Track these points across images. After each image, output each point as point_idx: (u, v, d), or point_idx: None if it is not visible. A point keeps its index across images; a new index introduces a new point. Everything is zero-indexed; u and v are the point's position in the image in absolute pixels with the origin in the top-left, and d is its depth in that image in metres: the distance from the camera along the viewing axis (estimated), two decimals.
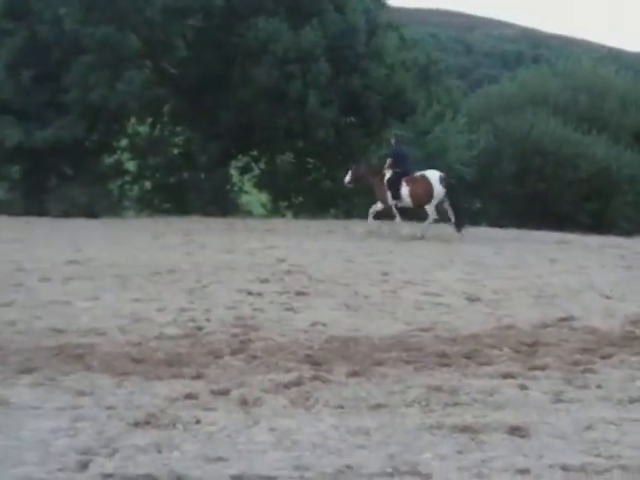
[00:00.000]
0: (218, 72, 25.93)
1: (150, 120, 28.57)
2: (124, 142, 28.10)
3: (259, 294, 11.19)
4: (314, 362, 7.44)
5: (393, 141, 21.22)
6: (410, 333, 9.02)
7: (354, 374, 7.03)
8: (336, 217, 26.65)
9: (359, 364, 7.37)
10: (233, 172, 28.99)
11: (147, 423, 5.66)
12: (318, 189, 28.69)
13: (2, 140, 23.62)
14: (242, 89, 25.18)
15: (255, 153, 29.38)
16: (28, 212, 23.30)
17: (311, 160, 29.44)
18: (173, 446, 5.25)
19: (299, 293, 11.36)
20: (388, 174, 20.55)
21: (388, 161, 20.86)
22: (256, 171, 29.48)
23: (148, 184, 28.42)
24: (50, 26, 24.27)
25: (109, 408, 5.97)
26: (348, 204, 27.30)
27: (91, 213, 23.07)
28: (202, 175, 26.91)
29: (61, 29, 23.99)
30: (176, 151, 28.68)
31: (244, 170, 29.19)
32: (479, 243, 19.24)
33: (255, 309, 10.12)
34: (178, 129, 29.45)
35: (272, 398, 6.30)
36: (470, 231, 20.54)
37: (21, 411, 5.85)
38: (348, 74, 25.38)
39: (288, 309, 10.23)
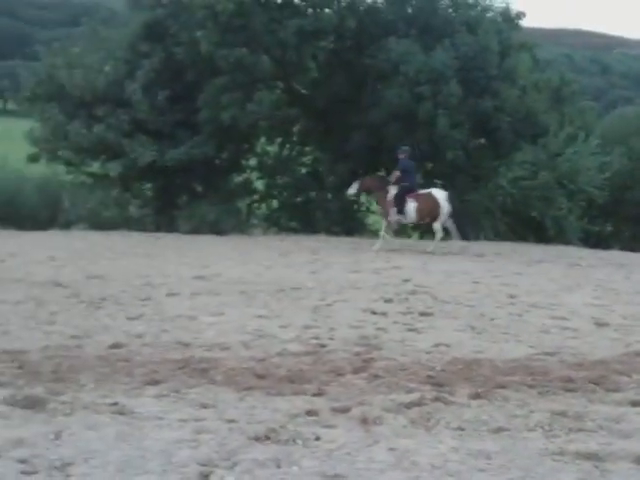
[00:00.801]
0: (348, 93, 26.07)
1: (279, 140, 28.91)
2: (253, 161, 28.52)
3: (383, 314, 11.15)
4: (436, 383, 7.35)
5: (402, 156, 20.84)
6: (535, 357, 8.81)
7: (476, 396, 6.91)
8: None
9: (481, 386, 7.23)
10: None
11: (267, 438, 5.67)
12: None
13: (136, 158, 24.28)
14: (372, 110, 25.20)
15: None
16: (159, 228, 23.90)
17: (439, 182, 29.24)
18: (292, 462, 5.25)
19: (423, 314, 11.27)
20: (394, 189, 20.58)
21: (394, 175, 20.88)
22: None
23: (275, 203, 28.71)
24: (186, 48, 24.90)
25: (231, 421, 6.02)
26: (476, 225, 27.00)
27: (219, 230, 23.47)
28: (329, 195, 27.04)
29: (196, 51, 24.54)
30: (304, 171, 28.90)
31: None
32: (609, 267, 18.75)
33: (378, 329, 10.09)
34: (307, 149, 29.69)
35: (392, 418, 6.24)
36: (599, 255, 20.03)
37: (146, 421, 5.95)
38: (479, 95, 25.13)
39: (411, 329, 10.15)
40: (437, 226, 20.39)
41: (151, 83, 24.82)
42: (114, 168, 25.19)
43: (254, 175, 28.57)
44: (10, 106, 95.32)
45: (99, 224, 23.51)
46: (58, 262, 15.73)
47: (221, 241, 21.47)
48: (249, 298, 12.12)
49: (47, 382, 6.84)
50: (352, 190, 21.69)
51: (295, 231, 26.02)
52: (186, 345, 8.77)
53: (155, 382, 7.02)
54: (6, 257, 16.12)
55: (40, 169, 26.30)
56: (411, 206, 20.29)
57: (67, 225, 23.87)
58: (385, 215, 20.94)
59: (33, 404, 6.17)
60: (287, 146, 29.05)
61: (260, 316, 10.64)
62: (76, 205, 24.31)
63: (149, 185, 27.10)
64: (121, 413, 6.11)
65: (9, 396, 6.30)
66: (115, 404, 6.29)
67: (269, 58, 25.13)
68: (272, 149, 28.99)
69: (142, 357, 8.08)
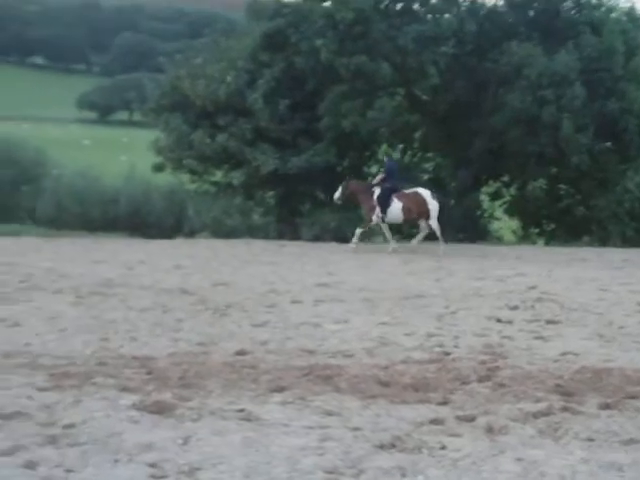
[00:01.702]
0: (469, 98, 25.84)
1: (401, 146, 28.85)
2: (375, 168, 28.52)
3: (508, 322, 10.98)
4: (564, 392, 7.18)
5: (386, 159, 22.29)
6: None
7: (606, 406, 6.72)
8: (590, 245, 25.82)
9: (611, 396, 7.03)
10: (483, 198, 28.72)
11: (392, 446, 5.64)
12: (571, 216, 27.91)
13: (259, 167, 24.60)
14: (494, 115, 24.94)
15: (506, 179, 28.99)
16: (281, 236, 24.12)
17: (564, 186, 28.70)
18: (417, 470, 5.21)
19: (550, 321, 11.04)
20: (377, 190, 21.03)
21: (378, 177, 21.63)
22: (507, 197, 29.07)
23: None
24: (306, 57, 25.11)
25: (355, 429, 6.00)
26: (603, 231, 26.41)
27: (341, 237, 23.52)
28: (452, 201, 26.82)
29: (316, 59, 24.73)
30: (426, 177, 28.74)
31: (495, 196, 28.86)
32: None
33: (504, 337, 9.93)
34: (429, 155, 29.57)
35: (519, 427, 6.13)
36: None
37: (271, 428, 5.99)
38: (604, 97, 24.58)
39: (538, 337, 9.95)
40: (433, 223, 20.97)
41: (272, 92, 25.10)
42: (237, 176, 25.61)
43: None
44: (136, 117, 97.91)
45: (222, 232, 23.88)
46: (184, 270, 16.04)
47: (343, 248, 21.49)
48: (373, 306, 12.10)
49: (175, 388, 6.96)
50: (337, 195, 21.86)
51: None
52: (310, 352, 8.80)
53: (280, 389, 7.07)
54: (135, 265, 16.53)
55: (165, 178, 26.91)
56: (396, 206, 20.80)
57: (191, 233, 24.33)
58: (368, 216, 21.32)
59: (162, 409, 6.28)
60: (409, 152, 28.96)
61: (384, 323, 10.61)
62: (200, 213, 24.76)
63: (271, 193, 27.38)
64: (247, 419, 6.16)
65: (138, 401, 6.44)
66: (241, 410, 6.34)
67: (389, 65, 25.17)
68: (394, 155, 28.96)
69: (267, 364, 8.14)
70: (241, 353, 8.69)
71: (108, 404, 6.36)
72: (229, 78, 25.97)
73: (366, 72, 24.43)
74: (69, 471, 5.00)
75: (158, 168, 26.91)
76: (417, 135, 28.94)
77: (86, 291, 12.63)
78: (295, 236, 24.03)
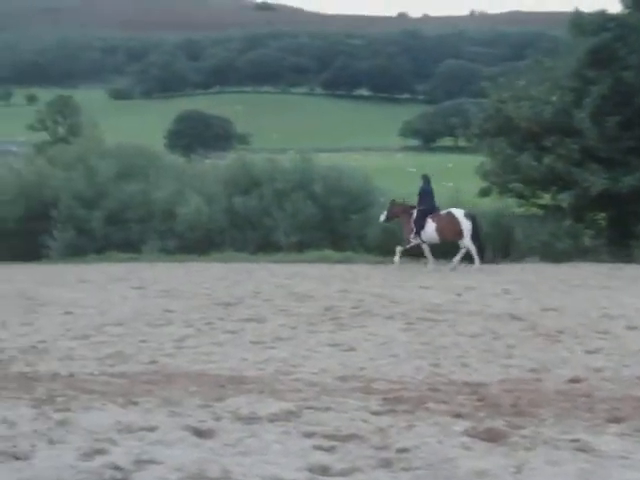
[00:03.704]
0: None
1: None
2: None
3: None
4: None
5: (421, 182, 22.26)
6: None
7: None
8: None
9: None
10: None
11: None
12: None
13: (588, 188, 23.89)
14: None
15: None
16: (614, 259, 23.21)
17: None
18: None
19: None
20: (415, 213, 21.76)
21: (418, 199, 22.01)
22: None
23: None
24: (636, 71, 24.14)
25: None
26: None
27: None
28: None
29: None
30: None
31: None
32: None
33: None
34: None
35: None
36: None
37: (608, 460, 5.73)
38: None
39: None
40: (466, 242, 21.22)
41: (599, 110, 24.32)
42: (565, 198, 25.02)
43: None
44: (461, 143, 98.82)
45: (551, 256, 23.41)
46: (512, 295, 15.89)
47: None
48: None
49: (507, 415, 6.87)
50: (382, 217, 23.00)
51: None
52: None
53: (617, 419, 6.76)
54: (463, 290, 16.58)
55: (491, 203, 26.83)
56: (430, 227, 21.47)
57: (520, 258, 24.05)
58: (407, 237, 22.01)
59: (494, 437, 6.21)
60: None
61: None
62: (528, 237, 24.43)
63: (602, 214, 26.50)
64: (582, 450, 5.95)
65: (470, 428, 6.41)
66: (576, 440, 6.13)
67: None
68: None
69: (603, 393, 7.84)
70: (575, 381, 8.44)
71: (440, 430, 6.39)
72: (554, 98, 25.51)
73: None
74: None
75: (484, 193, 26.89)
76: None
77: (415, 317, 12.84)
78: (629, 259, 23.03)
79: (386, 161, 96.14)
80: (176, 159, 40.02)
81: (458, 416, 6.81)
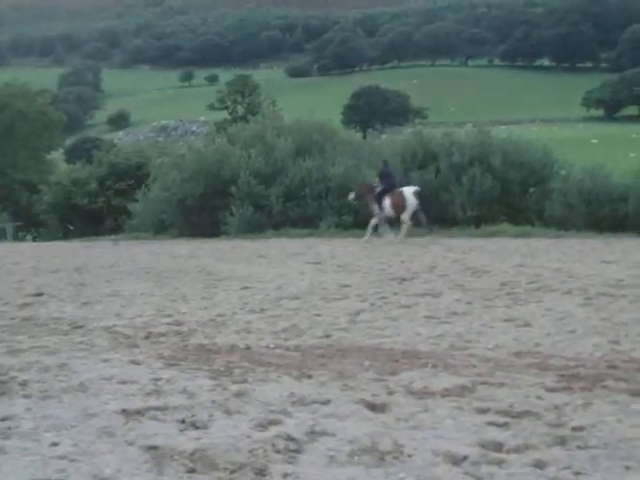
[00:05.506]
0: None
1: None
2: None
3: None
4: None
5: (380, 165, 25.59)
6: None
7: None
8: None
9: None
10: None
11: None
12: None
13: None
14: None
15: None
16: None
17: None
18: None
19: None
20: (377, 191, 24.44)
21: (377, 180, 24.99)
22: None
23: None
24: None
25: None
26: None
27: None
28: None
29: None
30: None
31: None
32: None
33: None
34: None
35: None
36: None
37: None
38: None
39: None
40: (404, 217, 23.56)
41: None
42: None
43: None
44: None
45: None
46: None
47: None
48: None
49: None
50: (351, 196, 25.63)
51: None
52: None
53: None
54: None
55: None
56: (387, 203, 23.88)
57: None
58: (373, 213, 24.42)
59: None
60: None
61: None
62: None
63: None
64: None
65: None
66: None
67: None
68: None
69: None
70: None
71: (619, 408, 6.19)
72: None
73: None
74: (578, 474, 4.93)
75: None
76: None
77: (594, 292, 12.46)
78: None
79: (568, 132, 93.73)
80: (353, 135, 40.27)
81: (638, 395, 6.59)
